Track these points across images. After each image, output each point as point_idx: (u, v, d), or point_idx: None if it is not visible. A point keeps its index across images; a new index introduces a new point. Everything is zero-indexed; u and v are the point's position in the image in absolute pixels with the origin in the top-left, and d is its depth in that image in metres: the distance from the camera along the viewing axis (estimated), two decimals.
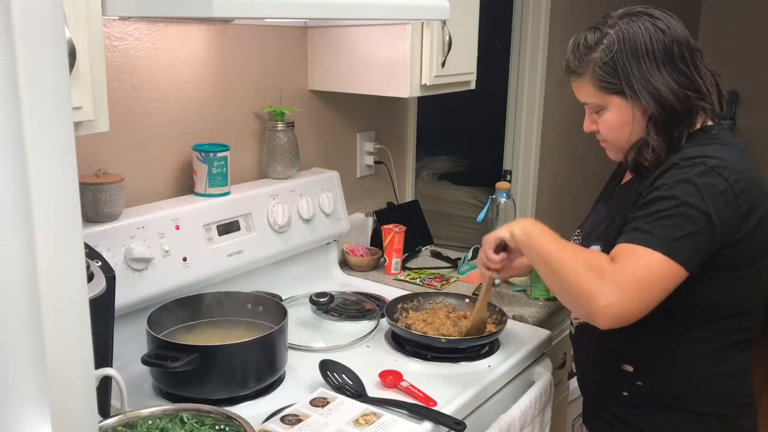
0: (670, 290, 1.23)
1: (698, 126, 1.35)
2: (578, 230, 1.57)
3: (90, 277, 1.16)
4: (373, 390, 1.45)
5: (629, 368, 1.40)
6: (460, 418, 1.38)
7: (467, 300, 1.82)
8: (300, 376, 1.53)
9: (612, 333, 1.28)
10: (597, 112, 1.40)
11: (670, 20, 1.34)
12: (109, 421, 1.12)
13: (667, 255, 1.21)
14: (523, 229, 1.39)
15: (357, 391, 1.41)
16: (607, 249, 1.35)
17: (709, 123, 1.36)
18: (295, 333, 1.65)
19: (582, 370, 1.57)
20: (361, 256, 2.19)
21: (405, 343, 1.67)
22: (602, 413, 1.49)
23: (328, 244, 2.10)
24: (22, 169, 0.62)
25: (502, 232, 1.44)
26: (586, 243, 1.47)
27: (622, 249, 1.25)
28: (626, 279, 1.22)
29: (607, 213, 1.48)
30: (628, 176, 1.49)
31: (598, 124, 1.41)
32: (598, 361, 1.49)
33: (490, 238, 1.48)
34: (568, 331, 1.61)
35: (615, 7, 1.40)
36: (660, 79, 1.31)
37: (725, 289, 1.31)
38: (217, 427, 1.13)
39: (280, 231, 1.87)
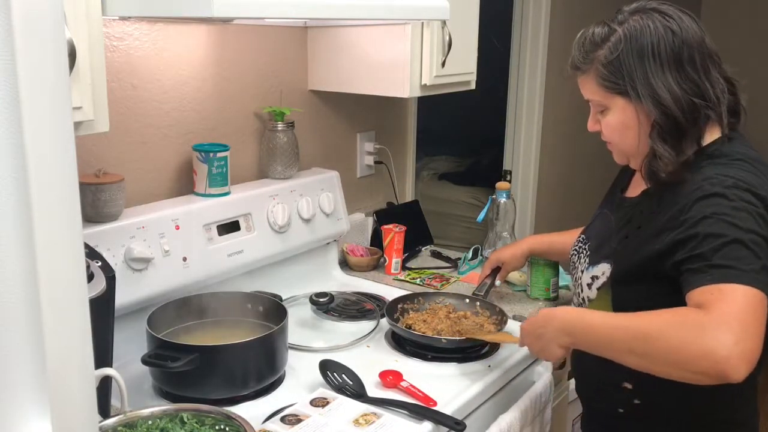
0: (765, 324, 1.10)
1: (710, 138, 1.29)
2: (583, 236, 1.51)
3: (90, 277, 1.16)
4: (373, 390, 1.44)
5: (629, 386, 1.35)
6: (460, 418, 1.38)
7: (467, 300, 1.82)
8: (300, 376, 1.53)
9: None
10: (601, 112, 1.34)
11: (683, 19, 1.26)
12: (109, 421, 1.12)
13: (758, 288, 1.09)
14: (566, 327, 1.28)
15: (357, 391, 1.41)
16: (617, 270, 1.31)
17: (724, 132, 1.29)
18: (295, 333, 1.65)
19: (581, 381, 1.53)
20: (361, 256, 2.19)
21: (405, 343, 1.67)
22: (595, 423, 1.49)
23: (328, 244, 2.10)
24: (22, 169, 0.62)
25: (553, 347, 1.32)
26: (594, 258, 1.40)
27: (708, 292, 1.11)
28: (732, 320, 1.06)
29: (616, 227, 1.39)
30: (635, 185, 1.42)
31: (601, 124, 1.35)
32: (597, 375, 1.43)
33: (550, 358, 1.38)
34: None
35: (617, 7, 1.34)
36: (663, 84, 1.24)
37: None
38: (217, 427, 1.13)
39: (280, 231, 1.87)
